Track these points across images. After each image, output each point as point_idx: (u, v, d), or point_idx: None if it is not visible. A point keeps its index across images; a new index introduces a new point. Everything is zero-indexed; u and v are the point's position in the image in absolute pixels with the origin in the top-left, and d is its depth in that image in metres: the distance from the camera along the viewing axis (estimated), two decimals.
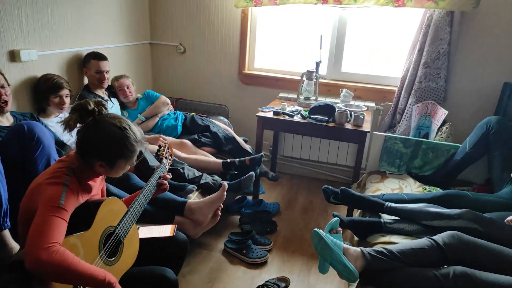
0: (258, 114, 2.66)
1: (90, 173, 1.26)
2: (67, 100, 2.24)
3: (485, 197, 1.87)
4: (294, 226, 2.55)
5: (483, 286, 1.27)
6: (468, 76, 2.74)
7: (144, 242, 1.41)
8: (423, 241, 1.47)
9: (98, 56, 2.56)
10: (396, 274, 1.40)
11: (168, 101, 2.90)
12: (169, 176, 1.55)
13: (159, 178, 1.51)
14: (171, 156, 1.69)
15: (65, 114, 2.29)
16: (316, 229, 1.54)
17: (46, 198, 1.10)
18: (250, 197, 2.78)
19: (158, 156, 1.64)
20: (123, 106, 2.85)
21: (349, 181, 3.09)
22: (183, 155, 2.42)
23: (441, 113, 2.58)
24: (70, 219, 1.13)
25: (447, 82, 2.74)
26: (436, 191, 2.06)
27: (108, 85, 2.75)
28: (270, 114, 2.66)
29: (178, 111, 2.94)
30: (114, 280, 1.13)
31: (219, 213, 1.86)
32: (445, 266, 1.39)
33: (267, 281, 1.94)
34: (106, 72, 2.59)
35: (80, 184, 1.22)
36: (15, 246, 1.44)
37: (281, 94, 3.14)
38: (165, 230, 1.49)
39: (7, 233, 1.43)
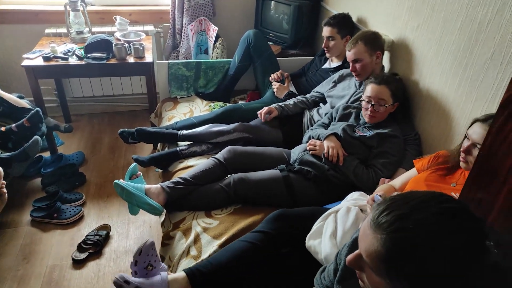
0: (23, 64, 2.31)
1: None
2: None
3: (253, 105, 2.28)
4: (104, 170, 2.56)
5: (253, 183, 1.65)
6: None
7: None
8: (209, 162, 1.76)
9: None
10: (193, 195, 1.67)
11: None
12: None
13: None
14: None
15: None
16: (116, 180, 1.63)
17: None
18: (47, 154, 2.57)
19: None
20: None
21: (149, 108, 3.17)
22: None
23: (213, 29, 2.80)
24: None
25: None
26: (219, 108, 2.37)
27: None
28: (39, 61, 2.35)
29: None
30: None
31: (4, 190, 1.70)
32: (228, 176, 1.73)
33: (87, 235, 2.00)
34: None
35: None
36: None
37: (48, 30, 2.75)
38: None
39: None
